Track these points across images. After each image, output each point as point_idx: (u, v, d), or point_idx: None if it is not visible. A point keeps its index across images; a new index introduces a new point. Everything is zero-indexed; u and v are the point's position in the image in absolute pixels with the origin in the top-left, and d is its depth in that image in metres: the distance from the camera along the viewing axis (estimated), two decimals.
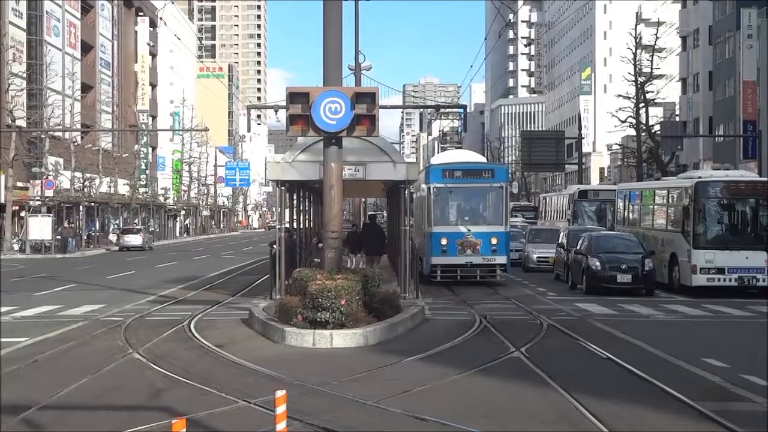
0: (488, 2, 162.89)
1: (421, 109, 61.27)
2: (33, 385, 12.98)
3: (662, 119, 71.06)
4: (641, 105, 65.90)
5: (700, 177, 28.68)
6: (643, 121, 65.71)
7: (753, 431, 10.10)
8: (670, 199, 30.21)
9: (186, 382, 12.95)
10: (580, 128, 72.75)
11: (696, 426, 10.37)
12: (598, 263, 27.00)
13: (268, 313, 19.13)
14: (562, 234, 34.58)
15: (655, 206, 31.86)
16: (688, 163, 66.97)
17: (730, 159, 56.13)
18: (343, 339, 16.35)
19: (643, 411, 11.02)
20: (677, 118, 71.27)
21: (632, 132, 68.92)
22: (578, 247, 28.93)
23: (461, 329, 18.59)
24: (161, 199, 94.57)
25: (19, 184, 60.51)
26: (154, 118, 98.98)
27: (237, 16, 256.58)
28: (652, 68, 66.18)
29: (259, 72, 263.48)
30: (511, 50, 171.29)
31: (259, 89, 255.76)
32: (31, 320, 21.42)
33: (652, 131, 65.31)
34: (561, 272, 32.32)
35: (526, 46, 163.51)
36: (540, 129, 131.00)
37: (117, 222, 77.47)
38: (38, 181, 61.61)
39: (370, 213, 49.79)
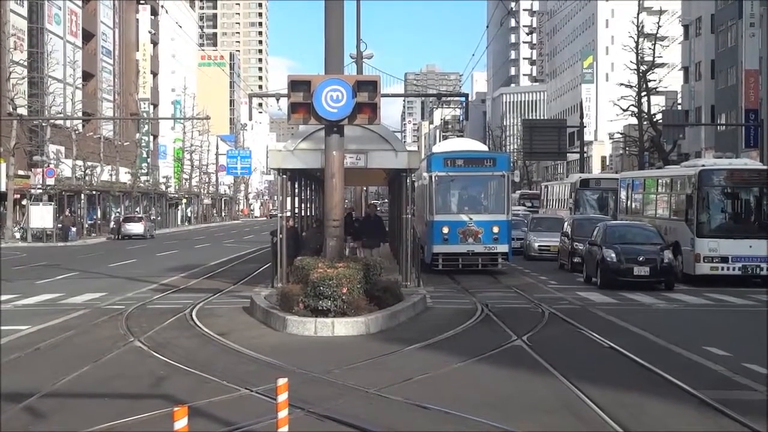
0: None
1: (423, 98, 61.22)
2: (35, 373, 12.99)
3: (664, 108, 70.99)
4: (643, 94, 65.85)
5: (704, 165, 28.43)
6: (645, 110, 65.68)
7: (754, 419, 10.08)
8: (673, 188, 30.06)
9: (187, 371, 12.96)
10: (581, 117, 72.73)
11: (697, 414, 10.37)
12: (613, 255, 25.35)
13: (270, 301, 19.14)
14: (566, 223, 33.90)
15: (659, 195, 31.72)
16: (690, 151, 66.89)
17: (731, 148, 56.05)
18: (344, 327, 16.35)
19: (645, 399, 11.02)
20: (679, 107, 71.18)
21: (634, 121, 68.90)
22: (592, 238, 27.44)
23: (463, 318, 18.60)
24: (162, 187, 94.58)
25: (21, 172, 60.55)
26: (155, 106, 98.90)
27: (238, 4, 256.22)
28: (654, 57, 66.13)
29: (260, 60, 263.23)
30: (512, 39, 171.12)
31: (260, 77, 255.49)
32: (33, 308, 21.45)
33: (654, 120, 65.28)
34: (565, 262, 31.81)
35: (527, 34, 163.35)
36: (541, 117, 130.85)
37: (118, 210, 77.48)
38: (39, 170, 61.71)
39: (371, 203, 49.59)
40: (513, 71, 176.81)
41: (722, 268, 26.25)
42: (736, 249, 26.23)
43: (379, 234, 28.99)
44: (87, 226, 67.24)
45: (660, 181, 32.03)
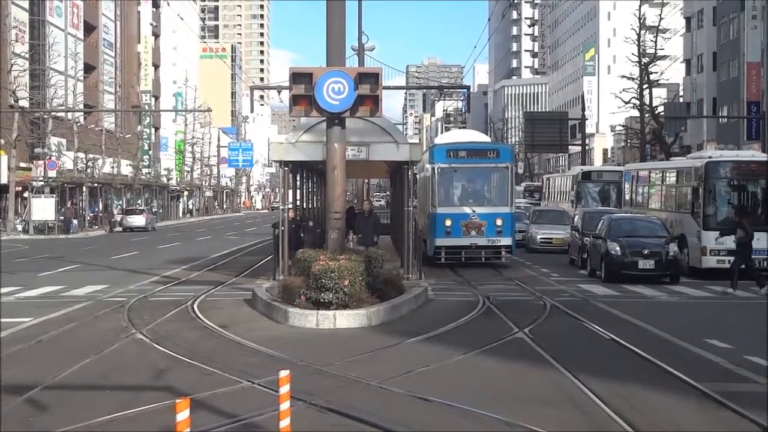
0: None
1: (425, 90, 61.14)
2: (37, 365, 13.00)
3: (666, 100, 70.87)
4: (645, 86, 65.72)
5: (710, 157, 28.04)
6: (647, 102, 65.57)
7: (754, 411, 10.08)
8: (679, 180, 29.72)
9: (189, 363, 12.97)
10: (583, 109, 72.68)
11: (699, 406, 10.37)
12: (617, 248, 24.91)
13: (272, 293, 19.14)
14: (576, 216, 33.03)
15: (664, 187, 31.43)
16: (692, 144, 66.79)
17: (733, 140, 55.88)
18: (346, 319, 16.36)
19: (646, 391, 11.02)
20: (681, 99, 71.04)
21: (636, 113, 68.78)
22: (596, 231, 26.93)
23: (465, 310, 18.59)
24: (164, 179, 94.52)
25: (22, 164, 60.52)
26: (157, 98, 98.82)
27: None
28: (656, 49, 66.00)
29: (262, 52, 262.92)
30: (514, 31, 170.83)
31: (262, 70, 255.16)
32: (35, 300, 21.46)
33: (656, 112, 65.19)
34: (575, 257, 30.74)
35: (529, 26, 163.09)
36: (543, 110, 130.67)
37: (120, 203, 77.48)
38: (41, 162, 61.64)
39: (366, 198, 49.14)
40: (515, 63, 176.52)
41: (729, 262, 25.83)
42: None
43: (375, 231, 28.53)
44: (89, 218, 67.24)
45: (665, 173, 31.65)
